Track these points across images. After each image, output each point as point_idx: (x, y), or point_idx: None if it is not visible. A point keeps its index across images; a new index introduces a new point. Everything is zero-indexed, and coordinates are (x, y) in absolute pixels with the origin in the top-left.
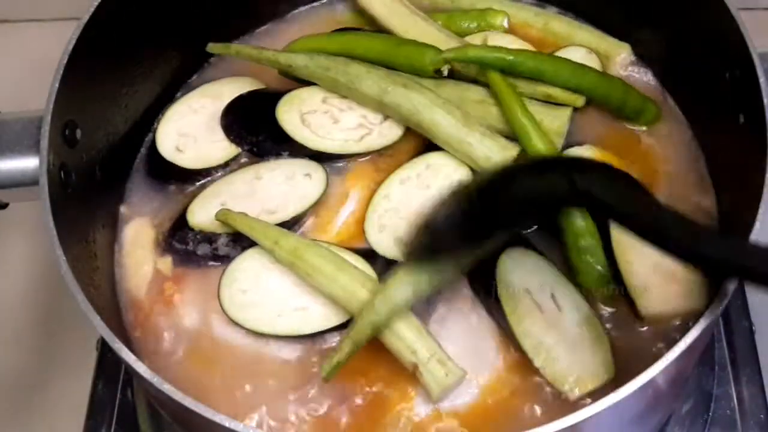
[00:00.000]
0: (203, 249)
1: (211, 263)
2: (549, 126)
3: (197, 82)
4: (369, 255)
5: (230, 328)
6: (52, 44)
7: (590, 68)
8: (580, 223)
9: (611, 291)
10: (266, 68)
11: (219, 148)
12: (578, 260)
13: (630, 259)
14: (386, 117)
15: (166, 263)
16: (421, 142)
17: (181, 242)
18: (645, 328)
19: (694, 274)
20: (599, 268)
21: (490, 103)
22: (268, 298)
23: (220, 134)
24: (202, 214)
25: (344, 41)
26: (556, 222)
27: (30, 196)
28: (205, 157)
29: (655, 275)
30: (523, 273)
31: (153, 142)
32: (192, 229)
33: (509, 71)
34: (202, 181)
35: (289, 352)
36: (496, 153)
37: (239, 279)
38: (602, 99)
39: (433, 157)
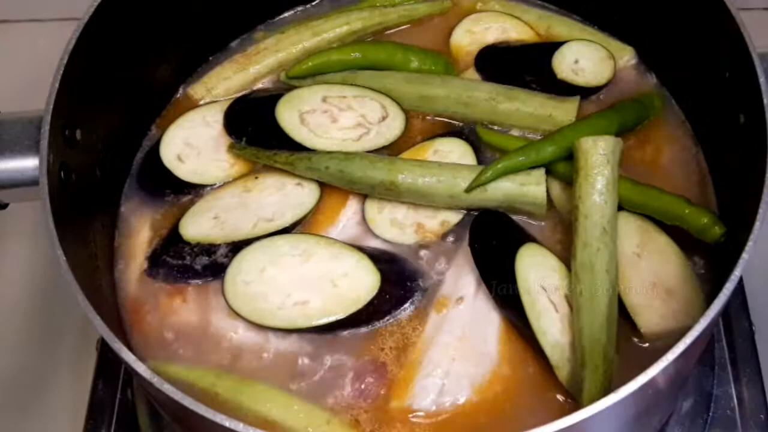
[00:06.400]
0: (201, 261)
1: (208, 274)
2: (560, 118)
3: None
4: (373, 254)
5: (230, 324)
6: (52, 44)
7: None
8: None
9: (722, 231)
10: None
11: (219, 168)
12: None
13: (627, 278)
14: (384, 117)
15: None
16: (418, 141)
17: (177, 257)
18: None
19: (692, 291)
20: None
21: (498, 101)
22: (271, 290)
23: (223, 154)
24: (195, 228)
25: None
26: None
27: (30, 196)
28: (203, 173)
29: (653, 294)
30: (539, 271)
31: (153, 145)
32: (188, 243)
33: None
34: (196, 194)
35: (289, 346)
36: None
37: (244, 270)
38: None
39: (440, 143)
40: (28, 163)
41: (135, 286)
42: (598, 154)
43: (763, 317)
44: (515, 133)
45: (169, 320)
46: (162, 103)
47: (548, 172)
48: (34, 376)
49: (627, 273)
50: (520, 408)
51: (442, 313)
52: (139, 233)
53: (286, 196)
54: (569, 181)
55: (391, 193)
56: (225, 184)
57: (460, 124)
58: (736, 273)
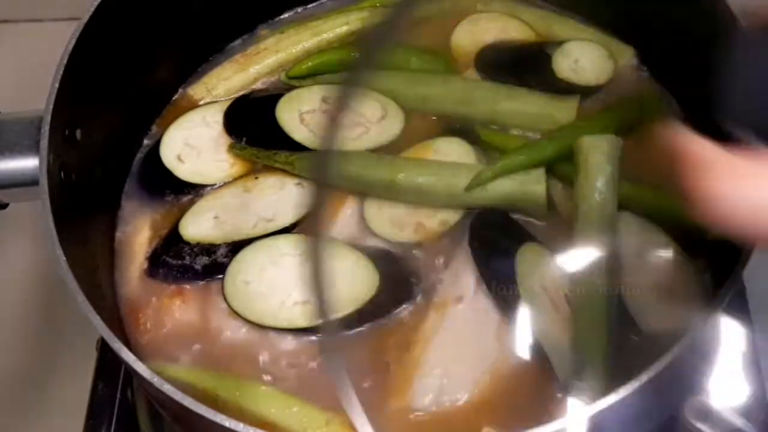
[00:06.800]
0: (201, 261)
1: (208, 274)
2: (560, 118)
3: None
4: (372, 253)
5: (230, 324)
6: (52, 44)
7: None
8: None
9: None
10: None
11: (219, 168)
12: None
13: (628, 278)
14: (383, 116)
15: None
16: (418, 141)
17: (177, 257)
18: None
19: (692, 291)
20: None
21: (498, 101)
22: (271, 290)
23: (223, 154)
24: (195, 228)
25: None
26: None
27: (30, 196)
28: (203, 173)
29: (653, 294)
30: (539, 270)
31: (153, 145)
32: (188, 243)
33: None
34: (197, 194)
35: (289, 346)
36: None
37: (244, 270)
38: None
39: (440, 143)
40: (28, 163)
41: (135, 286)
42: (598, 154)
43: (763, 317)
44: (515, 133)
45: (170, 320)
46: (162, 103)
47: (548, 172)
48: (34, 376)
49: (627, 273)
50: (519, 408)
51: (442, 313)
52: (139, 233)
53: (286, 196)
54: (569, 181)
55: (390, 192)
56: (225, 184)
57: (460, 124)
58: (737, 272)
